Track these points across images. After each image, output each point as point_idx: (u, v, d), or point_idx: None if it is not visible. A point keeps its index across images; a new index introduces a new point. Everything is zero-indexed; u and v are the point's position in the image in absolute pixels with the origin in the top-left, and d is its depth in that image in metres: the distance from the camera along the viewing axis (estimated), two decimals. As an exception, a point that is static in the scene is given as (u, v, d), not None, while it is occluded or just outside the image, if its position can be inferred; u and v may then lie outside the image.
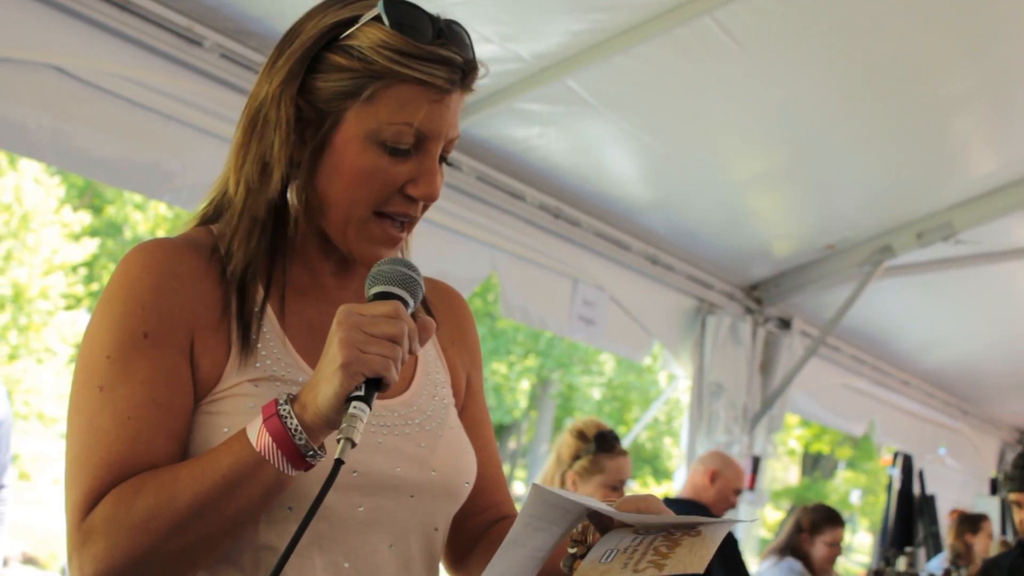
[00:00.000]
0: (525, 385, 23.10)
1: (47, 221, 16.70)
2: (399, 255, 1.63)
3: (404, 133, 1.46)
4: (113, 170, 3.97)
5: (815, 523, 6.32)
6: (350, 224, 1.50)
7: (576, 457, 4.32)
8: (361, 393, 1.32)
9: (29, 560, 13.83)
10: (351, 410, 1.31)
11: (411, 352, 1.37)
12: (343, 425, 1.30)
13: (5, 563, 11.22)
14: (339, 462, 1.29)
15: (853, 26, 4.69)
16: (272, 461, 1.33)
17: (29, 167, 16.19)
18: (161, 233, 20.14)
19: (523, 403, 23.70)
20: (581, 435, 4.37)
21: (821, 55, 4.89)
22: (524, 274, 5.82)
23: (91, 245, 17.75)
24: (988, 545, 7.26)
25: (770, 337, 7.55)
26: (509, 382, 22.35)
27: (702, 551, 1.36)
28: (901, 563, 6.70)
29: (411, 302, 1.41)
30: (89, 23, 3.67)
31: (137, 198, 18.89)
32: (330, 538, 1.44)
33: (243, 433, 1.36)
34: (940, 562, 7.21)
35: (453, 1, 3.88)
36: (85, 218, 17.87)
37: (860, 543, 29.10)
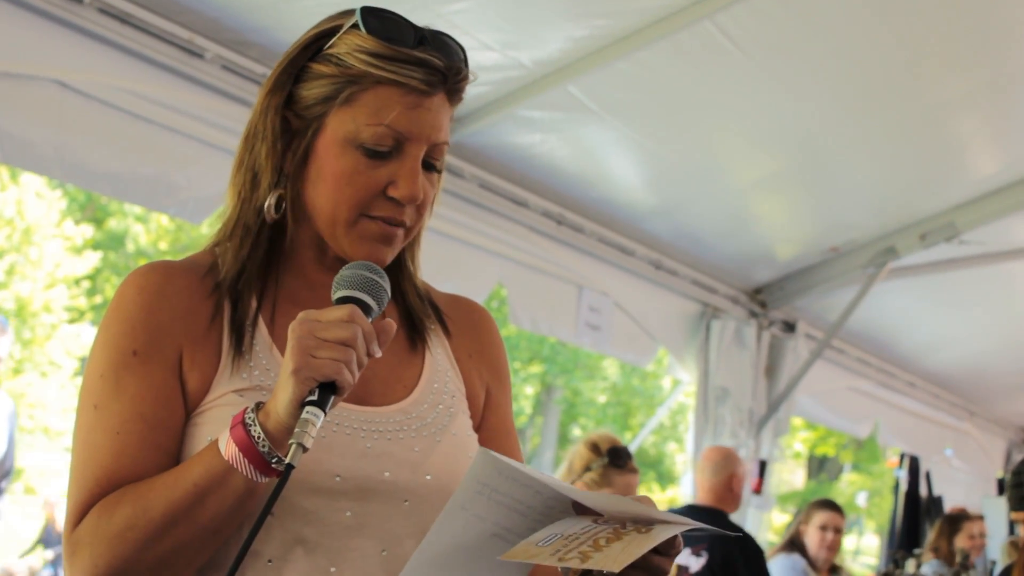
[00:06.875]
0: (529, 391, 23.08)
1: (49, 235, 16.73)
2: (409, 261, 1.65)
3: (381, 135, 1.47)
4: (116, 183, 3.98)
5: (808, 512, 6.46)
6: (337, 227, 1.51)
7: (587, 468, 4.34)
8: (315, 398, 1.32)
9: (35, 574, 13.78)
10: (304, 415, 1.32)
11: (370, 355, 1.37)
12: (296, 430, 1.31)
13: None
14: (289, 467, 1.30)
15: (854, 28, 4.69)
16: (240, 469, 1.35)
17: (31, 181, 16.20)
18: (163, 245, 20.19)
19: (528, 409, 23.69)
20: (595, 448, 4.40)
21: (822, 58, 4.89)
22: (530, 282, 5.81)
23: (93, 258, 17.78)
24: (971, 545, 7.20)
25: (775, 340, 7.53)
26: (513, 388, 22.29)
27: (635, 549, 1.29)
28: (910, 565, 6.67)
29: (374, 306, 1.42)
30: (90, 37, 3.68)
31: (138, 210, 18.90)
32: (315, 543, 1.45)
33: (215, 443, 1.38)
34: (937, 566, 7.16)
35: (453, 9, 3.88)
36: (87, 231, 17.89)
37: (867, 545, 29.02)
